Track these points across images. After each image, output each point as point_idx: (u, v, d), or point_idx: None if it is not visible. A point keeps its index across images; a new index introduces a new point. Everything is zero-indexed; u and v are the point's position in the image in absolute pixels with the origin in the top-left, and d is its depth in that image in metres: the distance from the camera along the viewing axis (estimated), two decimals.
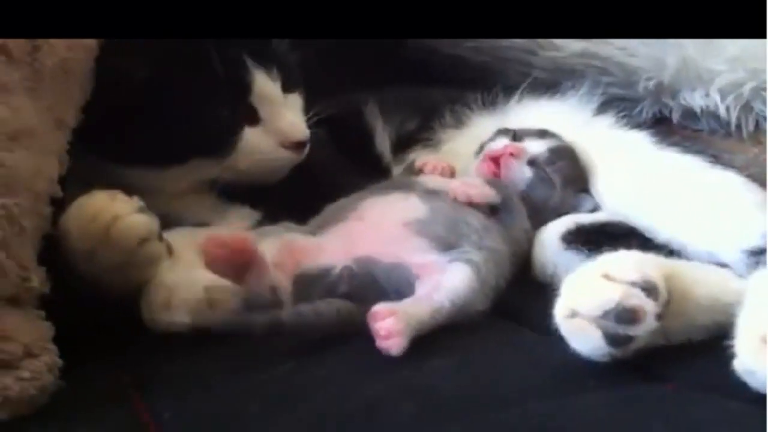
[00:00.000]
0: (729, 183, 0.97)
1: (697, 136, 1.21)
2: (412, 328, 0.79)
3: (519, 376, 0.75)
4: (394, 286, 0.86)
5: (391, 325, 0.77)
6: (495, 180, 1.06)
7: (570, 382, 0.72)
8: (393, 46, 1.39)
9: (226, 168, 1.02)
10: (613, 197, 1.05)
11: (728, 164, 1.04)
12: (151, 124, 0.97)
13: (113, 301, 0.87)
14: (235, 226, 1.03)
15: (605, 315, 0.70)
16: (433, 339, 0.81)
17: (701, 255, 0.90)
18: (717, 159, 1.04)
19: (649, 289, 0.72)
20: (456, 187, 1.00)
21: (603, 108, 1.17)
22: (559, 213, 1.06)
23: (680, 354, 0.76)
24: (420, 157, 1.18)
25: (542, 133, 1.11)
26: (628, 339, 0.71)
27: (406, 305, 0.81)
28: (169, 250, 0.91)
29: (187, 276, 0.89)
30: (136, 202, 0.87)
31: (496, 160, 1.07)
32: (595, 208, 1.07)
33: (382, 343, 0.77)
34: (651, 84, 1.22)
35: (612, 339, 0.71)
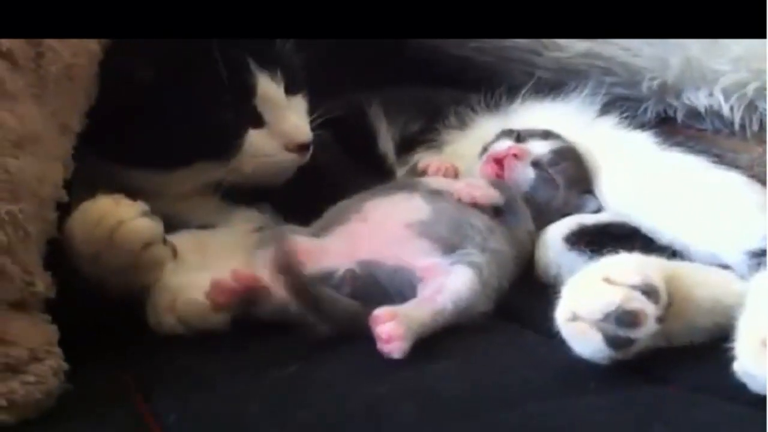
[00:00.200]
0: (732, 184, 0.97)
1: (702, 135, 1.21)
2: (414, 331, 0.79)
3: (520, 377, 0.75)
4: (397, 288, 0.87)
5: (392, 329, 0.77)
6: (498, 181, 1.06)
7: (571, 383, 0.73)
8: (397, 47, 1.39)
9: (230, 170, 1.03)
10: (616, 198, 1.05)
11: (732, 164, 1.05)
12: (155, 126, 0.97)
13: (117, 304, 0.88)
14: (239, 228, 1.04)
15: (606, 318, 0.71)
16: (436, 341, 0.81)
17: (703, 256, 0.91)
18: (721, 159, 1.04)
19: (649, 292, 0.72)
20: (460, 188, 1.00)
21: (607, 108, 1.17)
22: (562, 214, 1.06)
23: (681, 356, 0.76)
24: (424, 158, 1.18)
25: (546, 134, 1.11)
26: (629, 342, 0.71)
27: (407, 308, 0.81)
28: (174, 253, 0.92)
29: (191, 279, 0.90)
30: (140, 206, 0.88)
31: (499, 161, 1.07)
32: (599, 209, 1.07)
33: (383, 347, 0.77)
34: (655, 84, 1.22)
35: (613, 342, 0.71)
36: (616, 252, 0.81)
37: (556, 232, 1.02)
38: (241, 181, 1.04)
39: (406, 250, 0.90)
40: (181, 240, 0.95)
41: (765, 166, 1.03)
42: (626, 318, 0.70)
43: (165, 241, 0.90)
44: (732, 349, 0.68)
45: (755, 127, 1.15)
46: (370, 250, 0.89)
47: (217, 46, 0.98)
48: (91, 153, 0.93)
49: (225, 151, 1.01)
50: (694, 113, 1.22)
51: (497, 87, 1.25)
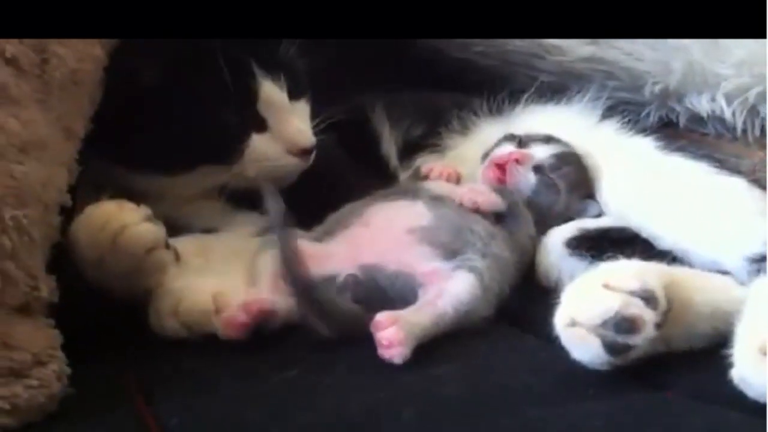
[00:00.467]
0: (733, 189, 0.98)
1: (704, 140, 1.21)
2: (415, 336, 0.80)
3: (521, 382, 0.76)
4: (399, 293, 0.88)
5: (392, 335, 0.78)
6: (500, 186, 1.06)
7: (570, 389, 0.73)
8: (399, 50, 1.39)
9: (233, 174, 1.03)
10: (618, 203, 1.05)
11: (734, 169, 1.05)
12: (159, 131, 0.98)
13: (120, 307, 0.88)
14: (243, 231, 1.04)
15: (604, 324, 0.71)
16: (437, 345, 0.82)
17: (703, 262, 0.91)
18: (723, 164, 1.05)
19: (648, 298, 0.72)
20: (463, 193, 1.01)
21: (609, 113, 1.18)
22: (564, 219, 1.06)
23: (680, 362, 0.77)
24: (426, 162, 1.18)
25: (548, 139, 1.12)
26: (627, 348, 0.72)
27: (408, 313, 0.82)
28: (177, 257, 0.92)
29: (194, 283, 0.90)
30: (143, 210, 0.89)
31: (501, 166, 1.08)
32: (600, 214, 1.08)
33: (384, 353, 0.78)
34: (657, 88, 1.22)
35: (611, 348, 0.71)
36: (617, 257, 0.81)
37: (557, 237, 1.02)
38: (245, 185, 1.04)
39: (408, 255, 0.90)
40: (185, 244, 0.96)
41: (766, 171, 1.03)
42: (624, 324, 0.71)
43: (168, 246, 0.91)
44: (730, 355, 0.69)
45: (757, 132, 1.15)
46: (372, 255, 0.90)
47: (220, 51, 0.99)
48: (95, 157, 0.94)
49: (228, 156, 1.02)
50: (696, 118, 1.22)
51: (500, 91, 1.25)
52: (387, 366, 0.78)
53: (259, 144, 1.03)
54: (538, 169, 1.08)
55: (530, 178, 1.08)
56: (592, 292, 0.74)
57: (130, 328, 0.88)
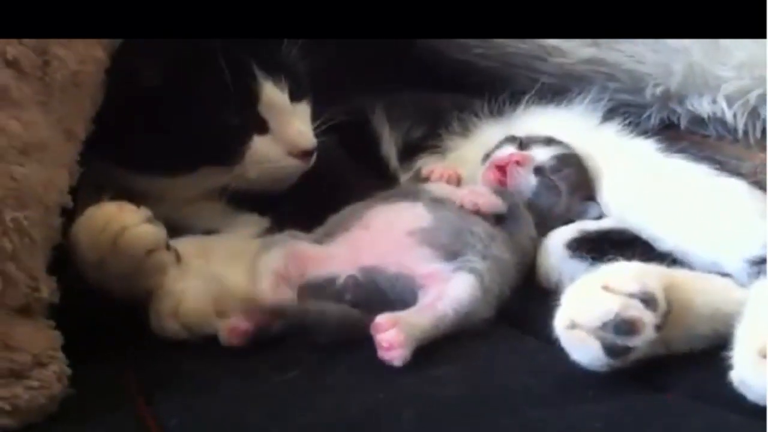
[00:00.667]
0: (733, 191, 0.98)
1: (705, 141, 1.21)
2: (415, 338, 0.80)
3: (520, 384, 0.76)
4: (399, 295, 0.88)
5: (392, 337, 0.78)
6: (501, 188, 1.06)
7: (570, 391, 0.73)
8: (400, 52, 1.39)
9: (235, 176, 1.03)
10: (618, 205, 1.05)
11: (735, 170, 1.05)
12: (160, 132, 0.98)
13: (120, 308, 0.89)
14: (243, 233, 1.04)
15: (604, 326, 0.71)
16: (437, 347, 0.82)
17: (704, 264, 0.91)
18: (724, 165, 1.05)
19: (647, 300, 0.72)
20: (463, 195, 1.01)
21: (610, 114, 1.18)
22: (564, 220, 1.07)
23: (680, 364, 0.77)
24: (427, 164, 1.19)
25: (548, 141, 1.12)
26: (627, 350, 0.72)
27: (408, 315, 0.82)
28: (177, 259, 0.92)
29: (194, 284, 0.90)
30: (144, 212, 0.89)
31: (502, 168, 1.08)
32: (601, 216, 1.07)
33: (384, 355, 0.78)
34: (658, 90, 1.22)
35: (611, 350, 0.72)
36: (617, 259, 0.81)
37: (557, 239, 1.02)
38: (246, 186, 1.04)
39: (408, 257, 0.90)
40: (185, 245, 0.96)
41: (767, 174, 1.03)
42: (624, 326, 0.71)
43: (168, 247, 0.90)
44: (730, 357, 0.69)
45: (758, 134, 1.15)
46: (372, 256, 0.90)
47: (221, 53, 0.99)
48: (96, 158, 0.94)
49: (229, 157, 1.02)
50: (697, 120, 1.22)
51: (501, 93, 1.26)
52: (387, 367, 0.78)
53: (260, 145, 1.03)
54: (538, 170, 1.08)
55: (531, 180, 1.08)
56: (592, 294, 0.74)
57: (131, 329, 0.88)
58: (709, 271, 0.89)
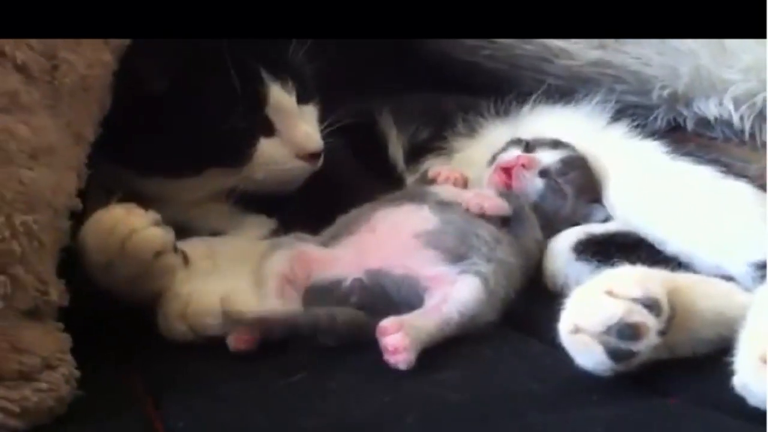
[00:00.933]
0: (739, 195, 0.97)
1: (712, 144, 1.21)
2: (421, 341, 0.80)
3: (524, 388, 0.76)
4: (405, 297, 0.88)
5: (398, 341, 0.78)
6: (507, 191, 1.06)
7: (574, 395, 0.74)
8: (407, 53, 1.40)
9: (242, 178, 1.04)
10: (624, 208, 1.05)
11: (742, 173, 1.05)
12: (168, 135, 0.99)
13: (129, 311, 0.89)
14: (251, 234, 1.05)
15: (608, 331, 0.72)
16: (442, 350, 0.83)
17: (708, 267, 0.91)
18: (730, 168, 1.04)
19: (651, 305, 0.73)
20: (469, 198, 1.01)
21: (617, 116, 1.17)
22: (570, 223, 1.07)
23: (684, 369, 0.77)
24: (433, 165, 1.19)
25: (554, 144, 1.12)
26: (631, 354, 0.72)
27: (413, 318, 0.82)
28: (185, 261, 0.93)
29: (202, 286, 0.91)
30: (151, 215, 0.89)
31: (508, 170, 1.08)
32: (607, 219, 1.08)
33: (389, 358, 0.79)
34: (665, 92, 1.23)
35: (614, 354, 0.72)
36: (623, 262, 0.82)
37: (563, 242, 1.02)
38: (253, 188, 1.05)
39: (414, 259, 0.91)
40: (193, 247, 0.97)
41: (766, 178, 1.02)
42: (627, 331, 0.71)
43: (176, 250, 0.91)
44: (733, 362, 0.69)
45: (765, 137, 1.15)
46: (377, 259, 0.91)
47: (229, 55, 1.00)
48: (104, 161, 0.94)
49: (237, 159, 1.03)
50: (704, 122, 1.22)
51: (507, 94, 1.26)
52: (392, 370, 0.78)
53: (267, 148, 1.04)
54: (544, 173, 1.08)
55: (537, 183, 1.08)
56: (596, 298, 0.74)
57: (139, 331, 0.89)
58: (714, 275, 0.89)
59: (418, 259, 0.91)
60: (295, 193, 1.08)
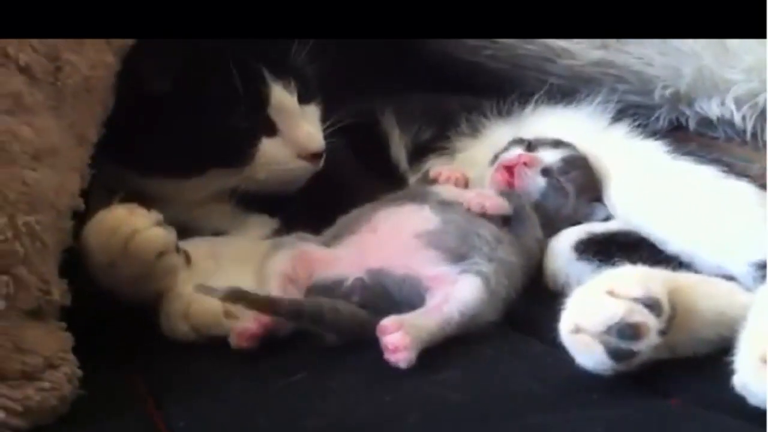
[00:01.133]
0: (740, 194, 0.97)
1: (714, 143, 1.22)
2: (421, 341, 0.80)
3: (524, 388, 0.77)
4: (406, 297, 0.88)
5: (398, 340, 0.78)
6: (508, 190, 1.07)
7: (574, 395, 0.74)
8: (410, 53, 1.40)
9: (244, 178, 1.04)
10: (625, 207, 1.05)
11: (744, 173, 1.04)
12: (170, 135, 0.99)
13: (131, 311, 0.90)
14: (253, 234, 1.05)
15: (608, 330, 0.72)
16: (443, 350, 0.83)
17: (710, 267, 0.91)
18: (732, 167, 1.04)
19: (652, 305, 0.73)
20: (471, 198, 1.01)
21: (619, 116, 1.17)
22: (572, 222, 1.07)
23: (685, 369, 0.77)
24: (435, 165, 1.19)
25: (556, 143, 1.12)
26: (631, 354, 0.72)
27: (414, 318, 0.83)
28: (187, 261, 0.93)
29: None
30: (154, 215, 0.90)
31: (509, 169, 1.08)
32: (608, 218, 1.08)
33: (390, 357, 0.79)
34: (667, 92, 1.23)
35: (615, 354, 0.72)
36: (624, 261, 0.82)
37: (564, 241, 1.02)
38: (255, 188, 1.05)
39: (415, 259, 0.91)
40: (195, 247, 0.97)
41: (766, 176, 1.02)
42: (628, 331, 0.71)
43: (178, 250, 0.92)
44: (734, 362, 0.69)
45: (767, 137, 1.15)
46: (379, 259, 0.91)
47: (231, 56, 1.00)
48: (107, 161, 0.95)
49: (239, 159, 1.03)
50: (706, 121, 1.22)
51: (510, 94, 1.26)
52: (393, 370, 0.78)
53: (269, 148, 1.04)
54: (546, 172, 1.08)
55: (539, 182, 1.08)
56: (597, 298, 0.74)
57: (141, 331, 0.90)
58: (715, 275, 0.89)
59: (419, 259, 0.91)
60: (297, 193, 1.09)
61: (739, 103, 1.16)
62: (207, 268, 0.96)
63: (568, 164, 1.09)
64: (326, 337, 0.85)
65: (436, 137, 1.26)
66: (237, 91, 1.00)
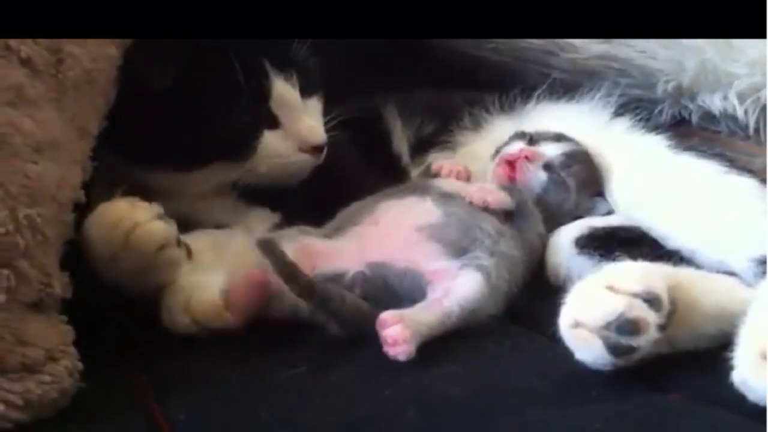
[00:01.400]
0: (742, 190, 0.97)
1: (716, 138, 1.21)
2: (421, 334, 0.81)
3: (524, 383, 0.77)
4: (407, 291, 0.88)
5: (397, 333, 0.79)
6: (510, 184, 1.07)
7: (573, 390, 0.74)
8: (412, 47, 1.40)
9: (246, 171, 1.04)
10: (627, 202, 1.06)
11: (746, 167, 1.05)
12: (173, 129, 0.99)
13: (132, 304, 0.90)
14: (254, 227, 1.05)
15: (608, 326, 0.72)
16: (443, 344, 0.83)
17: (711, 262, 0.91)
18: (734, 162, 1.04)
19: (652, 300, 0.73)
20: (473, 192, 1.01)
21: (621, 110, 1.18)
22: (573, 216, 1.07)
23: (685, 364, 0.77)
24: (437, 159, 1.19)
25: (558, 137, 1.12)
26: (630, 349, 0.72)
27: (414, 312, 0.83)
28: (188, 254, 0.93)
29: (205, 279, 0.92)
30: (155, 208, 0.90)
31: (511, 163, 1.08)
32: (610, 212, 1.08)
33: (389, 350, 0.79)
34: (670, 86, 1.23)
35: (614, 349, 0.72)
36: (625, 256, 0.82)
37: (566, 236, 1.03)
38: (257, 181, 1.05)
39: (416, 253, 0.91)
40: (196, 240, 0.97)
41: (766, 173, 1.02)
42: (627, 326, 0.71)
43: (180, 243, 0.92)
44: (733, 358, 0.69)
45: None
46: (380, 252, 0.91)
47: (233, 50, 1.00)
48: (109, 154, 0.95)
49: (241, 153, 1.03)
50: (708, 116, 1.22)
51: (512, 88, 1.26)
52: (392, 364, 0.79)
53: (271, 141, 1.04)
54: (548, 166, 1.08)
55: (540, 176, 1.08)
56: (596, 294, 0.74)
57: (142, 324, 0.90)
58: (717, 270, 0.89)
59: (420, 253, 0.91)
60: (298, 187, 1.09)
61: (742, 97, 1.16)
62: (208, 261, 0.96)
63: (569, 158, 1.09)
64: (329, 327, 0.85)
65: (438, 131, 1.26)
66: (239, 85, 1.00)
